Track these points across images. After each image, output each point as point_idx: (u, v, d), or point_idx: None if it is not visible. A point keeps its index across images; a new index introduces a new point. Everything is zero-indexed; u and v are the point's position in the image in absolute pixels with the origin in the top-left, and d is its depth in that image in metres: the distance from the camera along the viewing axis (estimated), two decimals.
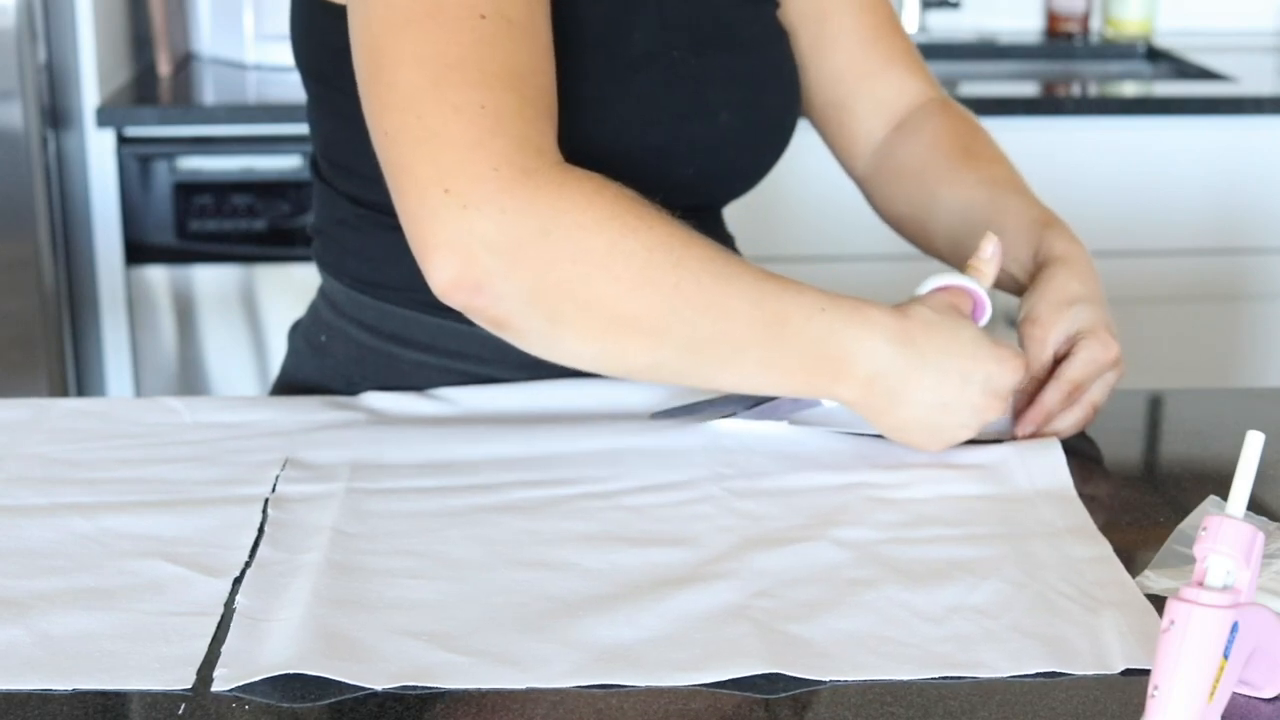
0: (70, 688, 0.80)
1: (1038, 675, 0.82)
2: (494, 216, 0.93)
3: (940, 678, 0.81)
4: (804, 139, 1.38)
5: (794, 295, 0.99)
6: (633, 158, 1.12)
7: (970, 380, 1.02)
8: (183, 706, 0.79)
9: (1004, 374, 1.03)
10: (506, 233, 0.93)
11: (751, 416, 1.10)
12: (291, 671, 0.80)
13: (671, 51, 1.13)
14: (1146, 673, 0.81)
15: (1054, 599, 0.89)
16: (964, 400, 1.02)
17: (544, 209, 0.93)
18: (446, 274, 0.94)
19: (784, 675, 0.81)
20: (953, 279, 1.08)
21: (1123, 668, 0.82)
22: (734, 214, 1.35)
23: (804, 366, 1.00)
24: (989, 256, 1.09)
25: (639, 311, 0.96)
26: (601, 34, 1.10)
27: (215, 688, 0.80)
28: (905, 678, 0.81)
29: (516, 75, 0.96)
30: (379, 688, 0.80)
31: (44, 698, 0.80)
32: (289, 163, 2.32)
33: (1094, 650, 0.83)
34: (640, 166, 1.13)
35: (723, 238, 1.29)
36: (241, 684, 0.80)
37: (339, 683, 0.80)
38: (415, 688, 0.80)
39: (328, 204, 1.21)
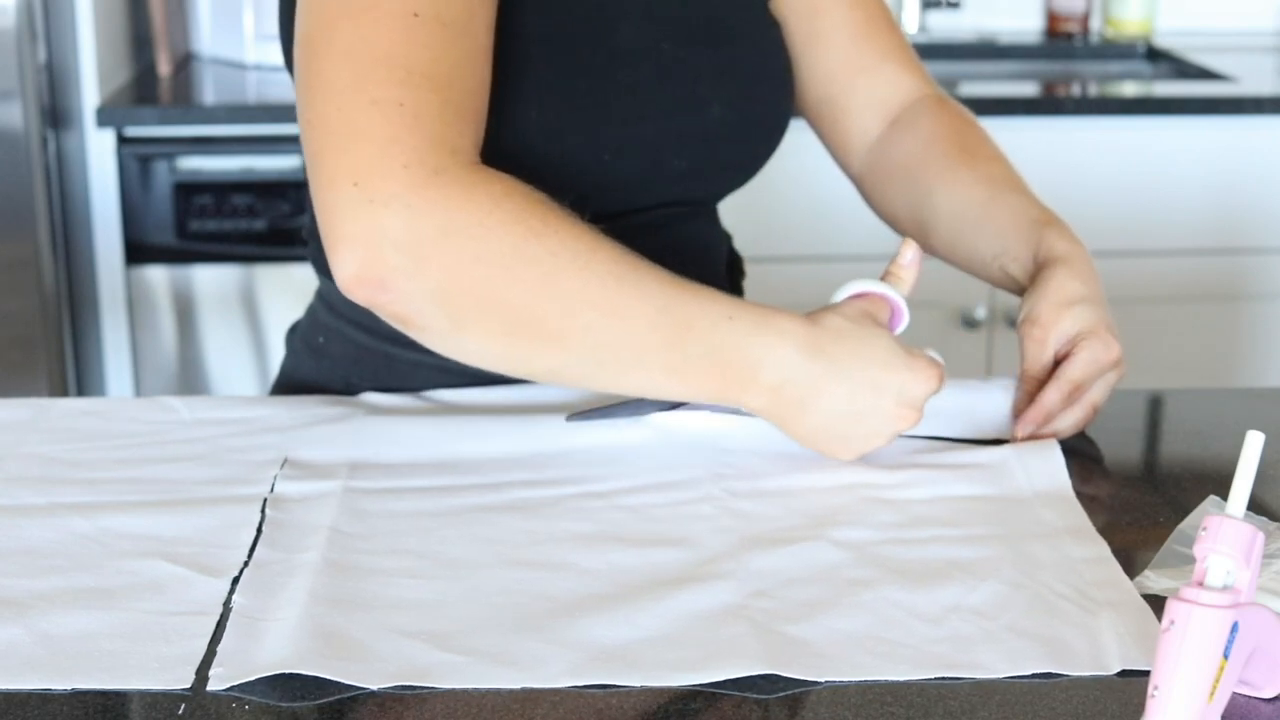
0: (70, 687, 0.80)
1: (1037, 676, 0.82)
2: (400, 214, 0.93)
3: (939, 678, 0.81)
4: (802, 139, 1.38)
5: (702, 302, 0.99)
6: (622, 151, 1.12)
7: (883, 389, 1.01)
8: (183, 706, 0.79)
9: (918, 383, 1.02)
10: (411, 231, 0.93)
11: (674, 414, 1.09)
12: (287, 671, 0.80)
13: (660, 45, 1.13)
14: (1144, 673, 0.81)
15: (1051, 600, 0.88)
16: (877, 409, 1.01)
17: (450, 209, 0.93)
18: (350, 269, 0.94)
19: (782, 676, 0.81)
20: (870, 286, 1.07)
21: (1119, 668, 0.82)
22: (732, 214, 1.35)
23: (710, 374, 0.99)
24: (908, 263, 1.09)
25: (542, 315, 0.95)
26: (587, 28, 1.10)
27: (211, 687, 0.80)
28: (902, 678, 0.81)
29: (441, 77, 0.96)
30: (375, 687, 0.80)
31: (44, 697, 0.80)
32: (289, 163, 2.32)
33: (1091, 651, 0.83)
34: (631, 159, 1.13)
35: (717, 234, 1.29)
36: (237, 683, 0.80)
37: (338, 682, 0.80)
38: (412, 687, 0.80)
39: None
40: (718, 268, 1.27)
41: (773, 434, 1.09)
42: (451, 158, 0.95)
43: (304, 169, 1.21)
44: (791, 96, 1.26)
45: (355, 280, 0.94)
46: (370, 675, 0.80)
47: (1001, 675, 0.81)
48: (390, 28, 0.96)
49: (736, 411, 1.07)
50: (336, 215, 0.94)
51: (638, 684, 0.80)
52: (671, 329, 0.97)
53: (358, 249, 0.93)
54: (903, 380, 1.01)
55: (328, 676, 0.80)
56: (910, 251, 1.09)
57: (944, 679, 0.81)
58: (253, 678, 0.80)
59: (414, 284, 0.94)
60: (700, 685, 0.80)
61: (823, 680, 0.81)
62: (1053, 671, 0.82)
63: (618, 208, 1.15)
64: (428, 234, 0.93)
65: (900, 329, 1.08)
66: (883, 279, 1.08)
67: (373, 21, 0.96)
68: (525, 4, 1.08)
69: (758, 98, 1.21)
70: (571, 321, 0.96)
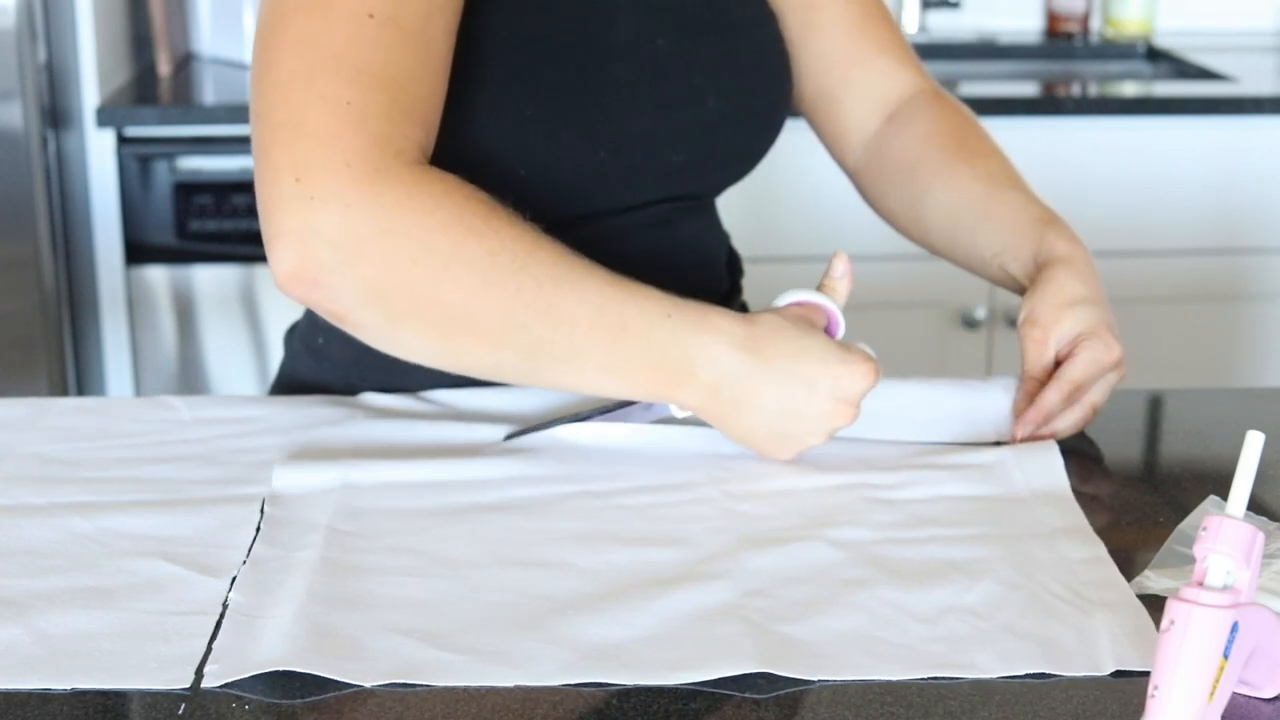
0: (69, 687, 0.80)
1: (1038, 676, 0.82)
2: (338, 211, 0.93)
3: (940, 678, 0.81)
4: (802, 138, 1.38)
5: (639, 301, 0.99)
6: (620, 146, 1.12)
7: (817, 387, 1.01)
8: (182, 706, 0.79)
9: (853, 380, 1.02)
10: (348, 229, 0.93)
11: (605, 422, 1.09)
12: (282, 669, 0.80)
13: (654, 39, 1.13)
14: (1140, 673, 0.81)
15: (1047, 600, 0.88)
16: (812, 407, 1.01)
17: (389, 208, 0.93)
18: (286, 264, 0.94)
19: (779, 675, 0.81)
20: (807, 295, 1.07)
21: (1113, 669, 0.82)
22: (732, 214, 1.35)
23: (647, 371, 0.99)
24: (840, 274, 1.09)
25: (478, 313, 0.96)
26: (580, 25, 1.10)
27: (206, 684, 0.80)
28: (896, 678, 0.81)
29: (392, 78, 0.97)
30: (369, 685, 0.80)
31: (44, 697, 0.80)
32: None
33: (1085, 651, 0.83)
34: (628, 153, 1.13)
35: (716, 229, 1.28)
36: (231, 680, 0.80)
37: (337, 681, 0.80)
38: (410, 686, 0.80)
39: None
40: (717, 263, 1.27)
41: None
42: (395, 158, 0.95)
43: None
44: (790, 88, 1.26)
45: (290, 276, 0.94)
46: (365, 673, 0.81)
47: (995, 675, 0.81)
48: (344, 26, 0.96)
49: (678, 419, 1.06)
50: (276, 209, 0.94)
51: (632, 683, 0.80)
52: (607, 328, 0.98)
53: (294, 245, 0.93)
54: (838, 376, 1.01)
55: (322, 674, 0.80)
56: (841, 264, 1.09)
57: (944, 679, 0.81)
58: (247, 675, 0.80)
59: (348, 282, 0.94)
60: (694, 684, 0.80)
61: (817, 680, 0.81)
62: (1047, 672, 0.82)
63: (616, 203, 1.15)
64: (366, 232, 0.93)
65: (837, 338, 1.08)
66: (819, 290, 1.08)
67: (327, 19, 0.96)
68: (518, 4, 1.08)
69: (755, 90, 1.21)
70: (508, 320, 0.96)
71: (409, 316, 0.96)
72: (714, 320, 1.00)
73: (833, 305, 1.07)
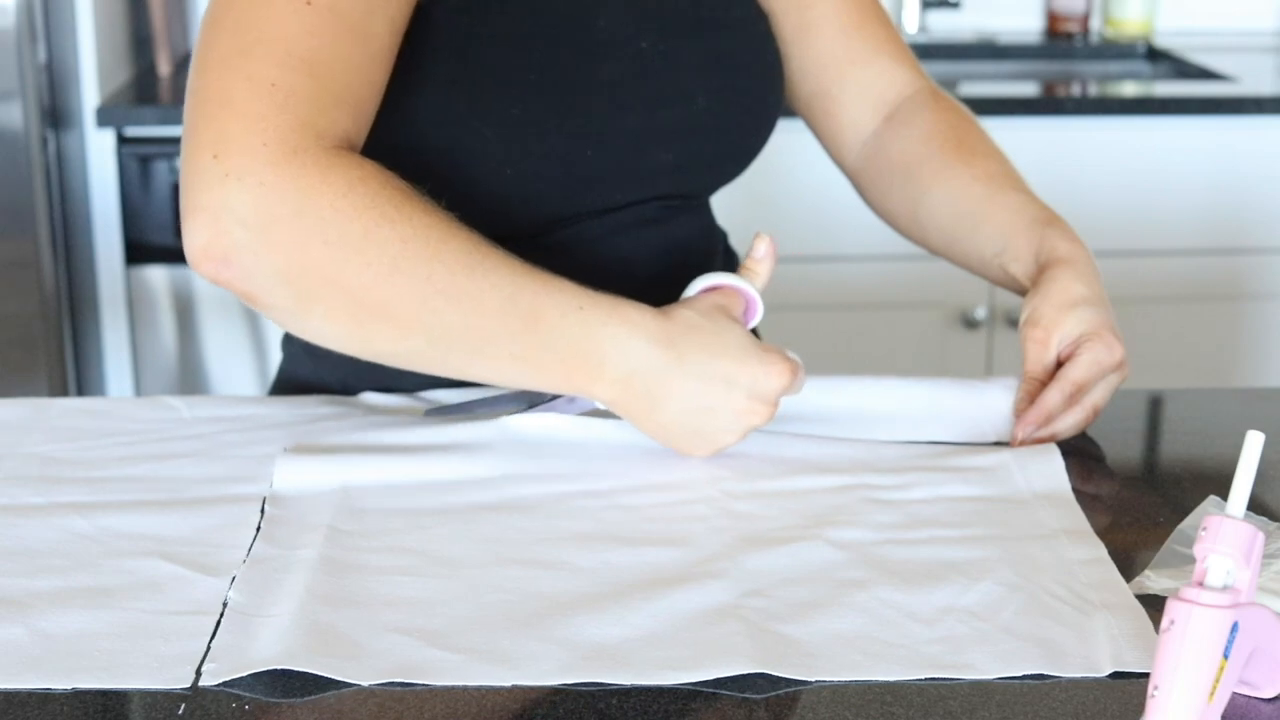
0: (69, 687, 0.80)
1: (1038, 676, 0.82)
2: (252, 189, 0.93)
3: (939, 679, 0.81)
4: (802, 139, 1.38)
5: (552, 292, 0.99)
6: (606, 145, 1.12)
7: (734, 384, 1.01)
8: (182, 706, 0.79)
9: (769, 378, 1.01)
10: (260, 208, 0.93)
11: (531, 413, 1.09)
12: (279, 667, 0.80)
13: (638, 39, 1.13)
14: (1139, 674, 0.81)
15: (1046, 601, 0.88)
16: (728, 405, 1.01)
17: (302, 189, 0.94)
18: (198, 241, 0.94)
19: (775, 675, 0.81)
20: (723, 279, 1.06)
21: (1111, 670, 0.82)
22: (732, 214, 1.35)
23: (558, 363, 1.00)
24: (762, 256, 1.08)
25: (388, 299, 0.96)
26: (563, 24, 1.10)
27: (204, 682, 0.80)
28: (894, 678, 0.81)
29: (322, 65, 0.97)
30: (366, 683, 0.80)
31: (44, 697, 0.80)
32: None
33: (1083, 653, 0.83)
34: (615, 153, 1.13)
35: (710, 229, 1.28)
36: (229, 679, 0.80)
37: (337, 681, 0.80)
38: (409, 685, 0.80)
39: None
40: (711, 262, 1.27)
41: (771, 436, 1.09)
42: (315, 141, 0.95)
43: None
44: (780, 87, 1.26)
45: (201, 253, 0.94)
46: (362, 672, 0.81)
47: (993, 676, 0.81)
48: (280, 11, 0.97)
49: (591, 404, 1.06)
50: (193, 185, 0.94)
51: (628, 683, 0.80)
52: (519, 318, 0.98)
53: (207, 221, 0.94)
54: (754, 375, 1.01)
55: (319, 673, 0.80)
56: (763, 245, 1.09)
57: (944, 679, 0.81)
58: (244, 673, 0.80)
59: (258, 261, 0.94)
60: (691, 684, 0.80)
61: (813, 680, 0.81)
62: (1045, 673, 0.82)
63: (607, 202, 1.15)
64: (278, 213, 0.94)
65: (754, 322, 1.08)
66: (739, 273, 1.08)
67: (266, 3, 0.97)
68: (501, 4, 1.08)
69: (744, 89, 1.20)
70: (417, 307, 0.96)
71: (319, 299, 0.96)
72: (628, 313, 1.00)
73: (750, 289, 1.07)
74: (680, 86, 1.15)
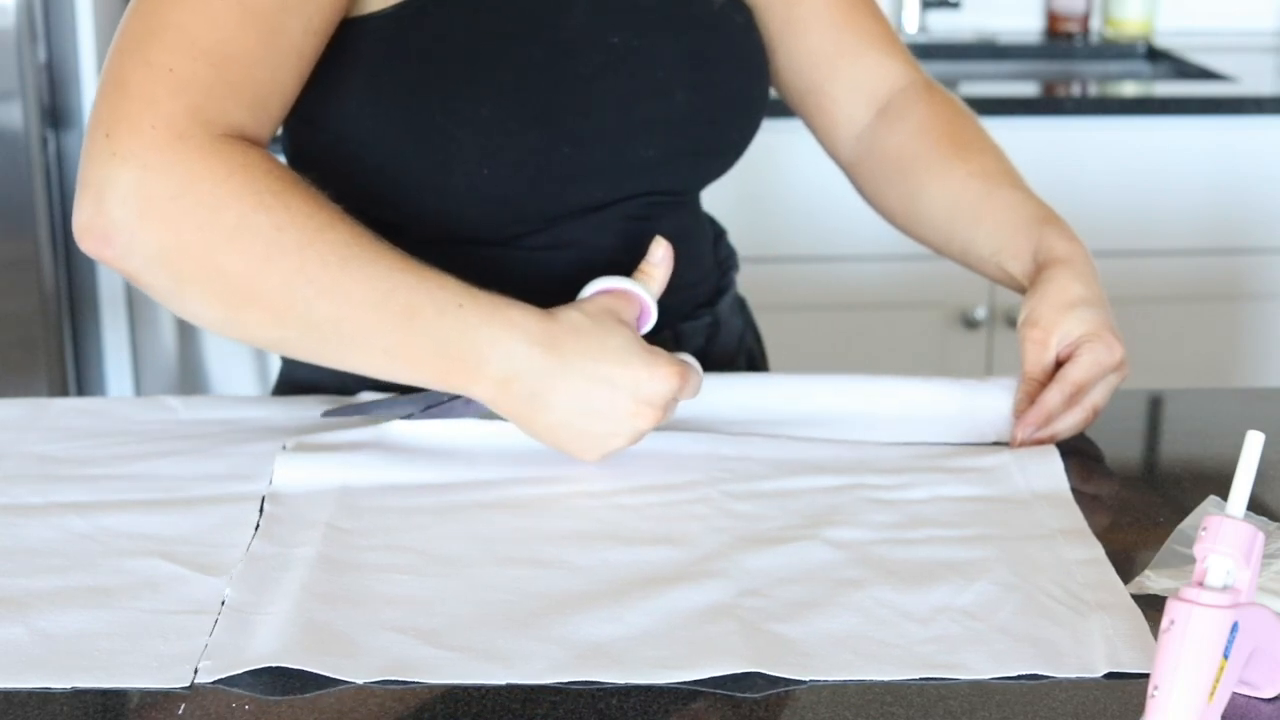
0: (69, 686, 0.80)
1: (1033, 677, 0.81)
2: (135, 170, 0.95)
3: (939, 679, 0.81)
4: (801, 139, 1.38)
5: (432, 289, 0.99)
6: (583, 142, 1.11)
7: (618, 387, 1.00)
8: (182, 706, 0.79)
9: (654, 382, 1.00)
10: (141, 189, 0.95)
11: (427, 418, 1.09)
12: (274, 665, 0.81)
13: (610, 36, 1.12)
14: (1138, 675, 0.81)
15: (1043, 601, 0.88)
16: (613, 407, 1.00)
17: (183, 173, 0.95)
18: (81, 217, 0.97)
19: (773, 675, 0.81)
20: (617, 282, 1.05)
21: (1106, 671, 0.82)
22: (731, 214, 1.35)
23: (435, 360, 0.99)
24: (658, 260, 1.08)
25: (260, 287, 0.97)
26: (530, 20, 1.10)
27: (200, 679, 0.80)
28: (888, 678, 0.81)
29: (224, 55, 0.98)
30: (360, 681, 0.80)
31: (44, 696, 0.80)
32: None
33: (1078, 653, 0.83)
34: (594, 150, 1.12)
35: (701, 225, 1.27)
36: (224, 676, 0.80)
37: (337, 680, 0.80)
38: (412, 685, 0.80)
39: None
40: (703, 259, 1.26)
41: (771, 439, 1.09)
42: (202, 128, 0.97)
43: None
44: (764, 80, 1.25)
45: (84, 229, 0.97)
46: (358, 670, 0.81)
47: (988, 676, 0.81)
48: (192, 2, 0.98)
49: (496, 416, 1.06)
50: (85, 162, 0.97)
51: (624, 681, 0.80)
52: (394, 313, 0.98)
53: (92, 198, 0.96)
54: (639, 378, 1.00)
55: (314, 670, 0.80)
56: (660, 250, 1.08)
57: (943, 679, 0.81)
58: (240, 671, 0.80)
59: (136, 241, 0.96)
60: (685, 683, 0.80)
61: (807, 680, 0.81)
62: (1039, 673, 0.81)
63: (589, 200, 1.15)
64: (157, 194, 0.95)
65: (647, 327, 1.07)
66: (635, 277, 1.07)
67: None
68: (468, 5, 1.08)
69: (726, 82, 1.19)
70: (289, 296, 0.97)
71: (194, 282, 0.97)
72: (509, 314, 1.00)
73: (645, 293, 1.06)
74: (656, 81, 1.14)
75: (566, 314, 1.01)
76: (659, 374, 1.00)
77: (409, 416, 1.09)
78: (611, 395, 1.00)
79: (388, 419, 1.09)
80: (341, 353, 1.00)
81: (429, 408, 1.09)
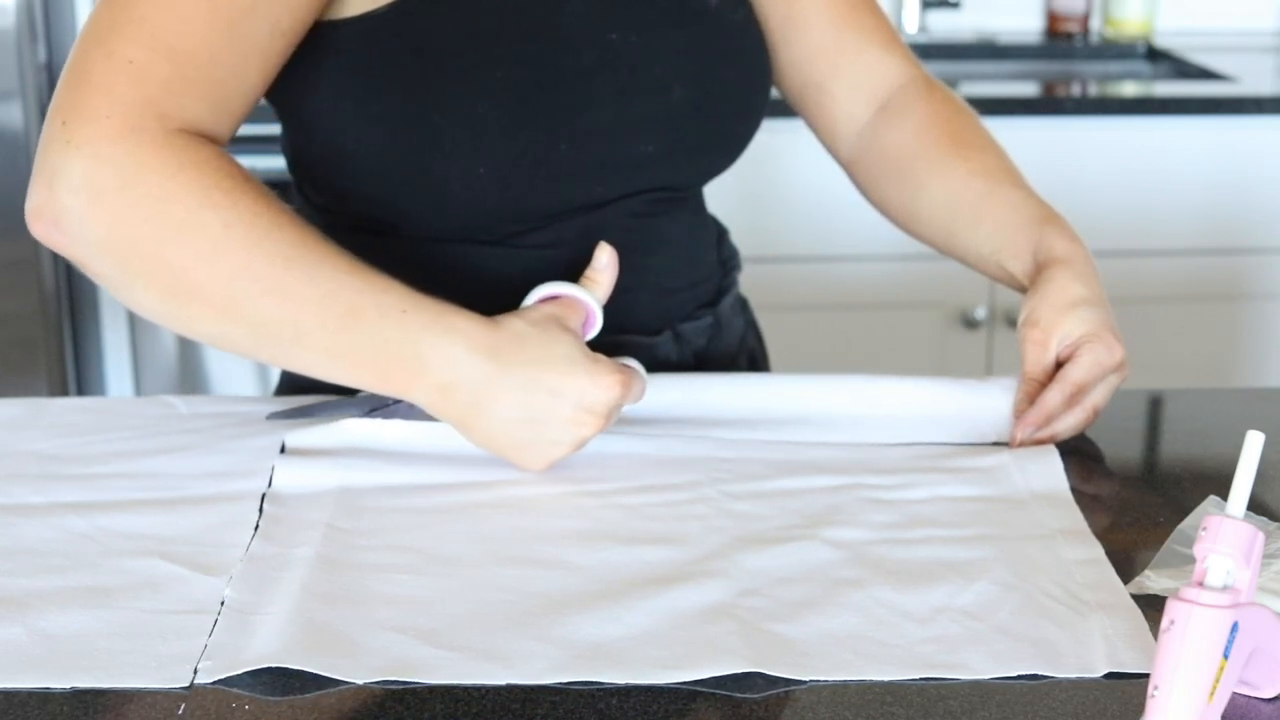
0: (68, 686, 0.80)
1: (1032, 677, 0.81)
2: (88, 159, 0.96)
3: (939, 679, 0.81)
4: (801, 139, 1.38)
5: (376, 293, 0.99)
6: (580, 139, 1.11)
7: (561, 395, 1.00)
8: (182, 706, 0.79)
9: (597, 390, 1.00)
10: (92, 178, 0.96)
11: (376, 418, 1.09)
12: (274, 665, 0.81)
13: (608, 32, 1.12)
14: (1138, 674, 0.81)
15: (1042, 601, 0.88)
16: (555, 415, 1.00)
17: (134, 165, 0.96)
18: (33, 202, 0.98)
19: (773, 675, 0.81)
20: (562, 289, 1.05)
21: (1105, 671, 0.82)
22: (732, 214, 1.34)
23: (376, 363, 1.00)
24: (603, 266, 1.08)
25: (205, 282, 0.97)
26: (525, 16, 1.09)
27: (199, 680, 0.80)
28: (887, 678, 0.81)
29: (186, 51, 0.99)
30: (359, 681, 0.80)
31: (43, 696, 0.80)
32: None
33: (1078, 653, 0.83)
34: (592, 147, 1.12)
35: (703, 223, 1.27)
36: (224, 677, 0.80)
37: (338, 680, 0.80)
38: (412, 685, 0.80)
39: (305, 215, 1.21)
40: (704, 256, 1.26)
41: (771, 440, 1.09)
42: (158, 122, 0.97)
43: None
44: (763, 74, 1.24)
45: (35, 214, 0.98)
46: (357, 670, 0.81)
47: (987, 676, 0.81)
48: None
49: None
50: (42, 148, 0.98)
51: (623, 681, 0.80)
52: (337, 315, 0.98)
53: (44, 184, 0.97)
54: (581, 387, 1.00)
55: (313, 671, 0.80)
56: (605, 255, 1.08)
57: (943, 679, 0.81)
58: (240, 671, 0.80)
59: (84, 230, 0.97)
60: (685, 683, 0.80)
61: (807, 680, 0.81)
62: (1039, 673, 0.81)
63: (589, 197, 1.14)
64: (107, 184, 0.96)
65: (592, 333, 1.07)
66: (580, 283, 1.07)
67: None
68: (463, 4, 1.08)
69: (724, 78, 1.19)
70: (233, 293, 0.97)
71: (140, 274, 0.98)
72: (453, 321, 1.00)
73: (590, 300, 1.06)
74: (654, 77, 1.14)
75: (510, 322, 1.01)
76: (602, 382, 1.00)
77: (353, 418, 1.08)
78: (553, 404, 1.00)
79: (332, 420, 1.09)
80: (283, 351, 1.01)
81: (373, 410, 1.09)
